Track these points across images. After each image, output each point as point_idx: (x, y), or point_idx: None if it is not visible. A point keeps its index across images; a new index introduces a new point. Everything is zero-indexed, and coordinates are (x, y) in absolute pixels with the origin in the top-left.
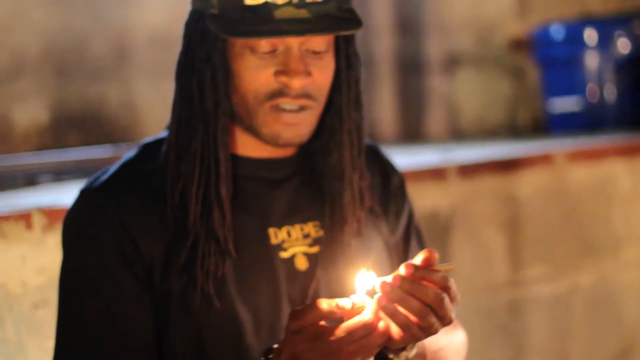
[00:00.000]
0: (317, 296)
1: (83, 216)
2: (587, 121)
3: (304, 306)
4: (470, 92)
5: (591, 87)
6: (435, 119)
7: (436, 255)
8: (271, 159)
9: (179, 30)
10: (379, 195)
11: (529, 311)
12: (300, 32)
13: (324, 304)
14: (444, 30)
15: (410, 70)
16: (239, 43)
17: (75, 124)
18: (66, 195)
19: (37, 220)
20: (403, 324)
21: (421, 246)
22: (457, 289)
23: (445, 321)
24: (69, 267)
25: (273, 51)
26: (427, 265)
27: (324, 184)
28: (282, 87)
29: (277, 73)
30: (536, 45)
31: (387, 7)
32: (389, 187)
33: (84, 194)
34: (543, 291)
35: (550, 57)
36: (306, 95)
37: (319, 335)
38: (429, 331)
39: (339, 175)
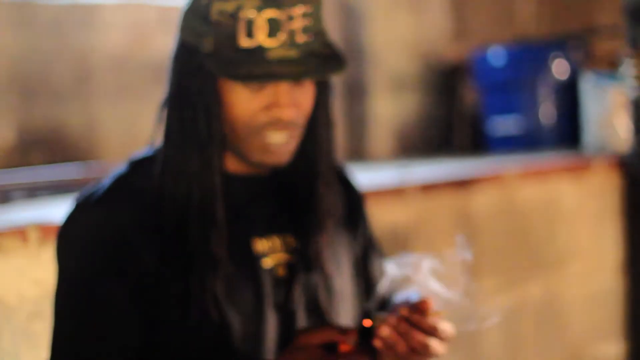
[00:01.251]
0: (298, 304)
1: (82, 228)
2: (525, 142)
3: (311, 327)
4: (411, 114)
5: (528, 108)
6: (378, 140)
7: (432, 304)
8: (253, 175)
9: (138, 53)
10: (344, 209)
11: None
12: (295, 76)
13: (330, 329)
14: (384, 54)
15: (354, 93)
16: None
17: (40, 144)
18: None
19: (33, 235)
20: (401, 354)
21: (379, 258)
22: (449, 329)
23: (433, 356)
24: (66, 277)
25: (262, 87)
26: (422, 312)
27: (299, 197)
28: (272, 119)
29: (268, 106)
30: (475, 68)
31: (331, 33)
32: (352, 202)
33: (81, 207)
34: (495, 303)
35: (489, 79)
36: (293, 124)
37: (318, 358)
38: None
39: (312, 190)
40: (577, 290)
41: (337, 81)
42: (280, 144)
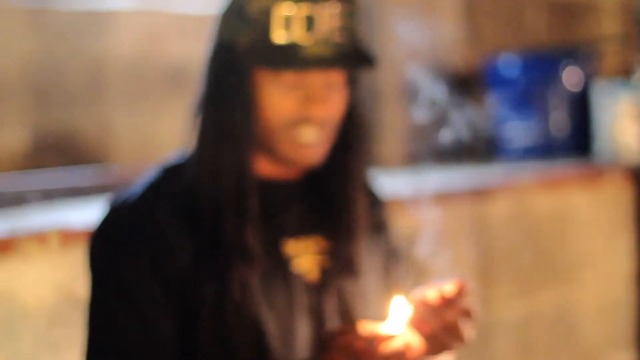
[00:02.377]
0: (330, 306)
1: (118, 230)
2: (537, 151)
3: (346, 325)
4: (423, 121)
5: (541, 117)
6: (390, 147)
7: (467, 284)
8: (285, 180)
9: (152, 59)
10: (372, 213)
11: (496, 332)
12: (331, 63)
13: (364, 327)
14: (395, 61)
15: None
16: (266, 74)
17: (54, 148)
18: (76, 215)
19: (54, 240)
20: (426, 337)
21: (403, 262)
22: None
23: (462, 340)
24: (102, 281)
25: (297, 83)
26: (458, 293)
27: (332, 201)
28: (306, 114)
29: (302, 101)
30: (487, 77)
31: None
32: (374, 206)
33: (116, 210)
34: (508, 314)
35: (502, 87)
36: (325, 124)
37: (356, 355)
38: (447, 346)
39: (345, 193)
40: (589, 300)
41: None
42: (312, 142)
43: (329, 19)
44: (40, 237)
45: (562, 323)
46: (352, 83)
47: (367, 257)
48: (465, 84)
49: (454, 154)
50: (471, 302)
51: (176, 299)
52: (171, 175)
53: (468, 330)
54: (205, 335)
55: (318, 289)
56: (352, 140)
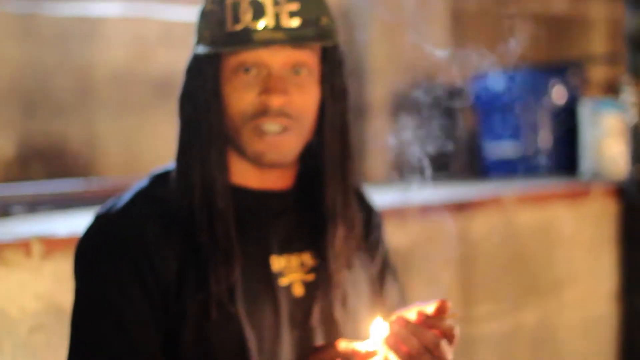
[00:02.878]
0: (315, 323)
1: (102, 241)
2: (523, 167)
3: (325, 343)
4: (409, 135)
5: (526, 133)
6: (375, 161)
7: (449, 305)
8: (271, 191)
9: (140, 68)
10: (361, 229)
11: (478, 347)
12: (267, 44)
13: (342, 345)
14: (384, 74)
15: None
16: (228, 68)
17: (40, 158)
18: (58, 225)
19: (36, 248)
20: (405, 356)
21: (396, 281)
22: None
23: None
24: (85, 290)
25: (257, 74)
26: (440, 313)
27: (317, 216)
28: (264, 107)
29: (259, 93)
30: (474, 92)
31: None
32: (370, 223)
33: (101, 219)
34: (491, 328)
35: (488, 104)
36: (285, 115)
37: None
38: None
39: (329, 208)
40: (572, 316)
41: None
42: (274, 134)
43: (280, 5)
44: (23, 246)
45: (545, 339)
46: (327, 77)
47: (355, 274)
48: (451, 99)
49: (439, 169)
50: (451, 323)
51: (160, 311)
52: (160, 182)
53: (447, 351)
54: (188, 349)
55: (303, 305)
56: (329, 146)
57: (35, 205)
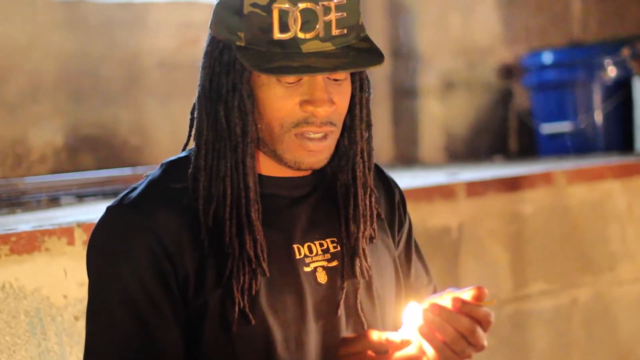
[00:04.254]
0: (341, 310)
1: (116, 232)
2: (576, 145)
3: (356, 334)
4: (462, 117)
5: (580, 111)
6: (428, 143)
7: (485, 291)
8: (291, 177)
9: (186, 54)
10: (384, 209)
11: (531, 325)
12: (331, 69)
13: (375, 335)
14: (435, 56)
15: (404, 94)
16: (264, 75)
17: (89, 146)
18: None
19: (78, 236)
20: (438, 347)
21: (420, 259)
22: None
23: (478, 348)
24: (101, 282)
25: (298, 81)
26: (477, 300)
27: (338, 201)
28: (308, 115)
29: (303, 103)
30: (526, 71)
31: (381, 33)
32: (393, 202)
33: (114, 211)
34: (544, 305)
35: (540, 82)
36: (330, 123)
37: None
38: (462, 355)
39: (351, 193)
40: (627, 293)
41: (385, 83)
42: (316, 144)
43: (329, 13)
44: (66, 233)
45: (599, 316)
46: (357, 72)
47: (379, 256)
48: (506, 78)
49: (493, 148)
50: (488, 310)
51: (180, 304)
52: (173, 171)
53: (483, 337)
54: (209, 342)
55: (328, 292)
56: (357, 136)
57: (84, 194)
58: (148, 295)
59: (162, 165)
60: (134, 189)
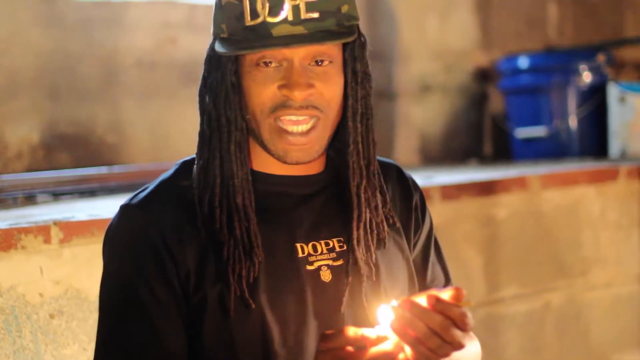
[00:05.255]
0: (344, 308)
1: (123, 231)
2: (551, 149)
3: (334, 330)
4: (438, 120)
5: (555, 116)
6: (403, 146)
7: (463, 292)
8: (299, 176)
9: (164, 53)
10: (400, 211)
11: (504, 328)
12: (287, 44)
13: (351, 331)
14: (412, 59)
15: (380, 96)
16: (247, 62)
17: (65, 144)
18: (79, 211)
19: (55, 234)
20: (411, 342)
21: (440, 262)
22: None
23: (454, 346)
24: (111, 279)
25: (278, 67)
26: (454, 300)
27: (347, 199)
28: (286, 99)
29: (281, 87)
30: (502, 75)
31: None
32: (411, 203)
33: (123, 210)
34: (517, 309)
35: (516, 87)
36: (312, 106)
37: (344, 358)
38: (437, 352)
39: (354, 193)
40: (599, 297)
41: None
42: (298, 135)
43: None
44: (42, 232)
45: (572, 321)
46: (349, 63)
47: (390, 257)
48: (482, 82)
49: (467, 152)
50: (463, 310)
51: (182, 303)
52: (184, 171)
53: (460, 336)
54: (209, 338)
55: (332, 291)
56: (352, 129)
57: (60, 192)
58: (152, 292)
59: (176, 164)
60: (146, 188)
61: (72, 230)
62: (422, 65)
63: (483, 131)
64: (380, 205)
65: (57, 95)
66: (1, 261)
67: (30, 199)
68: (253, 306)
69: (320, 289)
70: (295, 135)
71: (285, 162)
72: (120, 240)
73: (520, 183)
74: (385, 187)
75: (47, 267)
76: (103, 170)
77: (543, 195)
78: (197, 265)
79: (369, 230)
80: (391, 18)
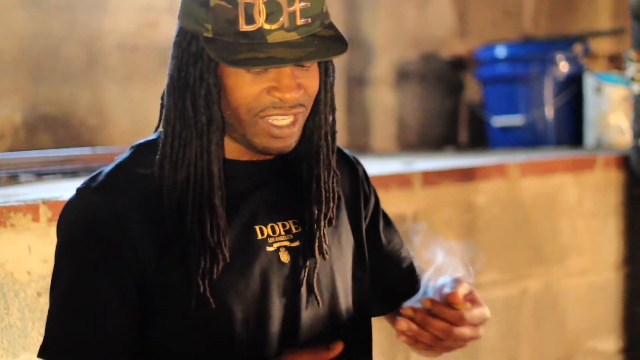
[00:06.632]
0: (301, 287)
1: (80, 214)
2: (527, 138)
3: (299, 347)
4: (414, 107)
5: (531, 105)
6: (380, 132)
7: (460, 296)
8: (255, 161)
9: (145, 37)
10: (348, 187)
11: None
12: (296, 60)
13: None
14: (390, 47)
15: (357, 83)
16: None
17: (47, 125)
18: (66, 191)
19: (43, 213)
20: (425, 349)
21: (390, 229)
22: (481, 315)
23: (465, 341)
24: (60, 263)
25: (265, 69)
26: (452, 303)
27: (301, 183)
28: (275, 101)
29: (271, 89)
30: (479, 64)
31: (336, 22)
32: (357, 178)
33: (81, 192)
34: (495, 295)
35: (493, 76)
36: (299, 105)
37: None
38: (451, 348)
39: (314, 176)
40: (576, 284)
41: (338, 73)
42: (285, 128)
43: (293, 3)
44: (30, 210)
45: (548, 307)
46: (324, 63)
47: (340, 236)
48: (459, 71)
49: (444, 140)
50: (459, 313)
51: (137, 293)
52: (141, 154)
53: (464, 333)
54: (166, 325)
55: (290, 271)
56: (322, 120)
57: (42, 172)
58: (105, 276)
59: (132, 147)
60: (102, 171)
61: (60, 209)
62: (400, 53)
63: (459, 119)
64: (333, 187)
65: (39, 77)
66: None
67: (13, 179)
68: (212, 302)
69: (281, 269)
70: (282, 129)
71: (268, 153)
72: (76, 222)
73: (499, 170)
74: (336, 168)
75: (35, 245)
76: (86, 151)
77: (522, 182)
78: (157, 256)
79: (323, 211)
80: (370, 6)
